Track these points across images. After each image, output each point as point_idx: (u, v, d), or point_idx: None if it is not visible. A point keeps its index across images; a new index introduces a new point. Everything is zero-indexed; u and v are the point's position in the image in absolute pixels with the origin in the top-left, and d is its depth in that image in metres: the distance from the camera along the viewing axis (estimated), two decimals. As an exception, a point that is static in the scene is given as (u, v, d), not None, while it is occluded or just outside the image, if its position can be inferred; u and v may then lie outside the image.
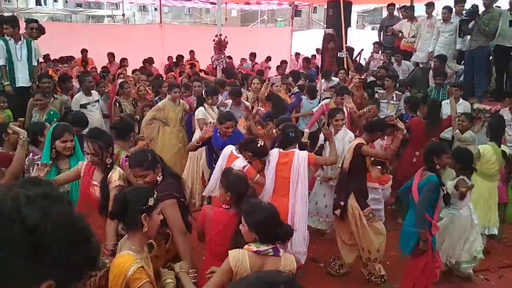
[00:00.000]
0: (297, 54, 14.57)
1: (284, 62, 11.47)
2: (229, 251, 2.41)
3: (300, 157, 3.93)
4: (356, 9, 19.24)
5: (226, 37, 7.93)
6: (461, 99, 6.30)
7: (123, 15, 18.87)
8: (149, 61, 10.97)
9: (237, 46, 10.93)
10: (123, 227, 2.50)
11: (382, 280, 4.22)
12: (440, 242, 4.11)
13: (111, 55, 11.04)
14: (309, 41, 16.58)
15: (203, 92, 5.89)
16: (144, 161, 2.93)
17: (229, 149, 3.96)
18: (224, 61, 8.17)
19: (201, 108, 5.63)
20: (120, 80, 6.83)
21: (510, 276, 4.54)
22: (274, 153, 4.02)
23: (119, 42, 12.05)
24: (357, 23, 27.53)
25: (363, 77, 8.12)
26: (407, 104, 6.10)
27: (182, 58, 11.90)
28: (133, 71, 9.14)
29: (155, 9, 31.46)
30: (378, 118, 5.52)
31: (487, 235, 4.93)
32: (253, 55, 13.03)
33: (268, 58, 13.22)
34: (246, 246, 2.40)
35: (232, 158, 3.86)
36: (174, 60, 12.02)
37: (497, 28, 7.04)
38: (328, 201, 4.80)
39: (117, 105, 6.33)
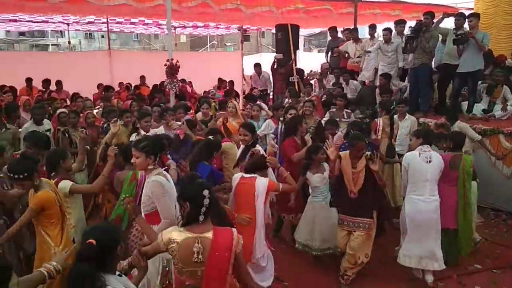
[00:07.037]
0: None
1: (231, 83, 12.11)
2: None
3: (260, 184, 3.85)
4: (302, 33, 19.87)
5: (177, 61, 7.91)
6: (407, 114, 6.60)
7: (69, 42, 18.46)
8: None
9: (188, 71, 10.89)
10: None
11: None
12: None
13: (58, 83, 10.69)
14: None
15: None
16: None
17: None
18: (177, 85, 8.13)
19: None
20: (61, 110, 6.56)
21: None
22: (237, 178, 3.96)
23: (66, 70, 11.69)
24: (303, 46, 28.40)
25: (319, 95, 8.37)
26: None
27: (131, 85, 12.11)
28: (73, 96, 9.24)
29: (102, 36, 31.01)
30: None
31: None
32: (221, 81, 13.16)
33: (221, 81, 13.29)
34: None
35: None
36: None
37: (436, 46, 7.49)
38: None
39: (66, 135, 6.10)
